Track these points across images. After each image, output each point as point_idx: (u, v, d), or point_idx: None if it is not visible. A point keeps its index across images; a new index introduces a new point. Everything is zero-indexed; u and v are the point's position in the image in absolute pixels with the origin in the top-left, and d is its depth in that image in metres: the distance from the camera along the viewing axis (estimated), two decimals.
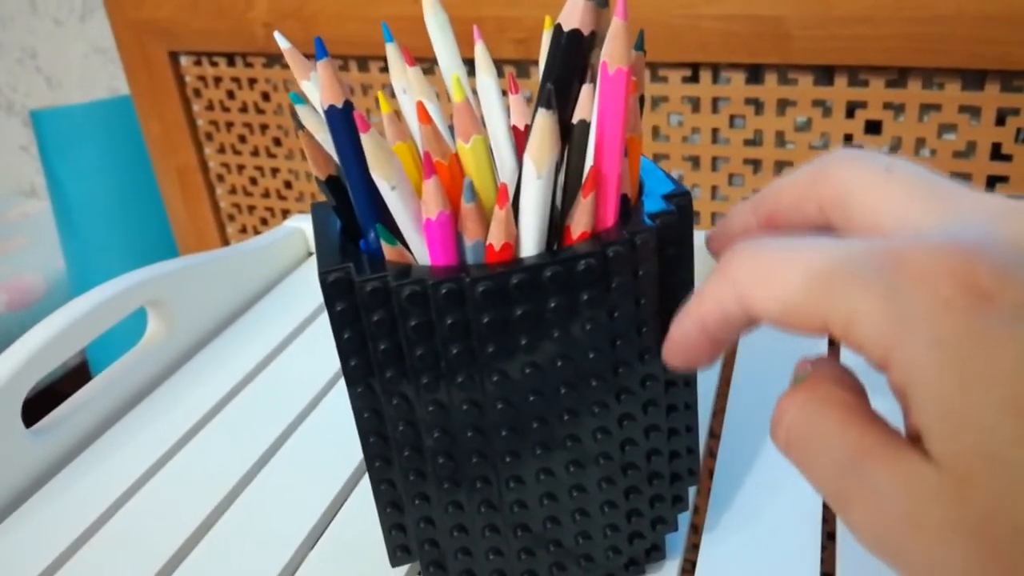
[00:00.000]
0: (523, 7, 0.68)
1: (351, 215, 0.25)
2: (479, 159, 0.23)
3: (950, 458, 0.15)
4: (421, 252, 0.24)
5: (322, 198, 0.27)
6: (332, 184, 0.26)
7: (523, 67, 0.73)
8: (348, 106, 0.22)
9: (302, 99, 0.26)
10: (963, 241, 0.16)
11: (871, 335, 0.16)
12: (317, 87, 0.26)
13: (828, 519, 0.32)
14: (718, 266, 0.19)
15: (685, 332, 0.20)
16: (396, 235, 0.24)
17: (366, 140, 0.21)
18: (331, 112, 0.22)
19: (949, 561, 0.15)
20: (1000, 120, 0.59)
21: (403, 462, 0.26)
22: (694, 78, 0.67)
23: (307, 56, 0.26)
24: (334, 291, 0.24)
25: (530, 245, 0.23)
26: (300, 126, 0.25)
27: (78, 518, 0.36)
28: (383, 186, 0.22)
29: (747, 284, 0.18)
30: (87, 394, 0.42)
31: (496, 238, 0.23)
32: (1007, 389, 0.15)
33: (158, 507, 0.36)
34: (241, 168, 0.92)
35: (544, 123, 0.21)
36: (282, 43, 0.26)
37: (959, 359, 0.15)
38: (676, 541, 0.31)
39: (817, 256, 0.17)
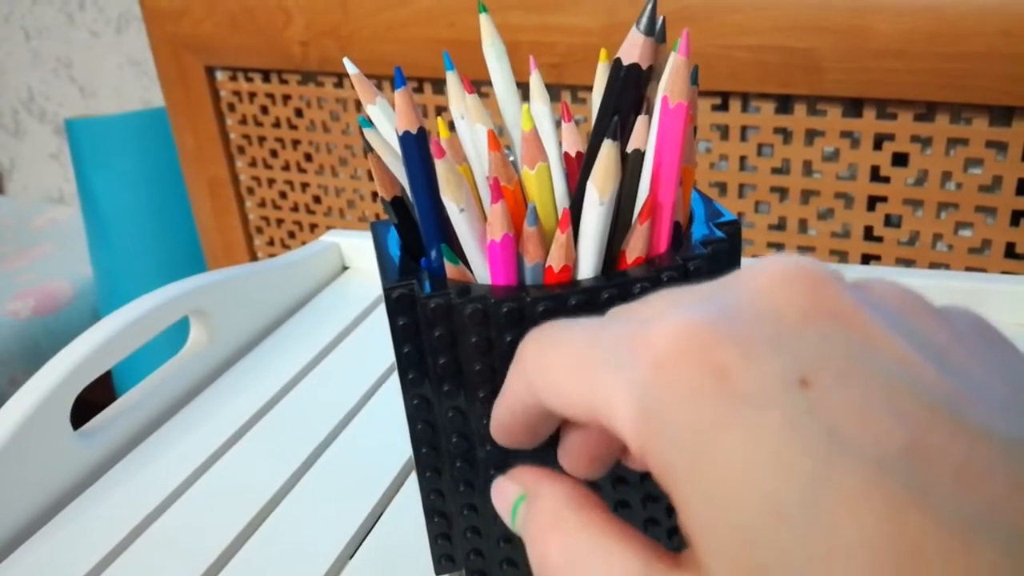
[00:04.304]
0: (556, 33, 0.70)
1: (413, 234, 0.27)
2: (542, 185, 0.24)
3: (718, 572, 0.13)
4: (482, 272, 0.25)
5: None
6: (396, 204, 0.27)
7: (554, 91, 0.74)
8: (422, 132, 0.23)
9: (369, 122, 0.27)
10: (703, 314, 0.14)
11: (624, 427, 0.15)
12: (383, 112, 0.27)
13: None
14: (516, 353, 0.18)
15: (500, 419, 0.19)
16: (458, 255, 0.25)
17: (440, 165, 0.22)
18: (405, 137, 0.23)
19: None
20: None
21: (454, 473, 0.27)
22: (724, 106, 0.68)
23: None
24: (398, 307, 0.25)
25: (587, 268, 0.24)
26: (369, 148, 0.26)
27: (121, 521, 0.37)
28: (452, 208, 0.23)
29: (531, 375, 0.17)
30: (132, 399, 0.43)
31: (556, 260, 0.24)
32: (763, 487, 0.12)
33: (199, 513, 0.37)
34: (271, 182, 0.94)
35: (609, 153, 0.22)
36: (350, 68, 0.27)
37: (708, 457, 0.13)
38: None
39: (578, 340, 0.16)
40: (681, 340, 0.14)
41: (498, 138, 0.23)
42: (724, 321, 0.14)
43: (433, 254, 0.25)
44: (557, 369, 0.16)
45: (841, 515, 0.12)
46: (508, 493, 0.18)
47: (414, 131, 0.23)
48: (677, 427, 0.13)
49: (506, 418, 0.19)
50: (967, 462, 0.12)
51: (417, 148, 0.23)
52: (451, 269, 0.25)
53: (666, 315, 0.14)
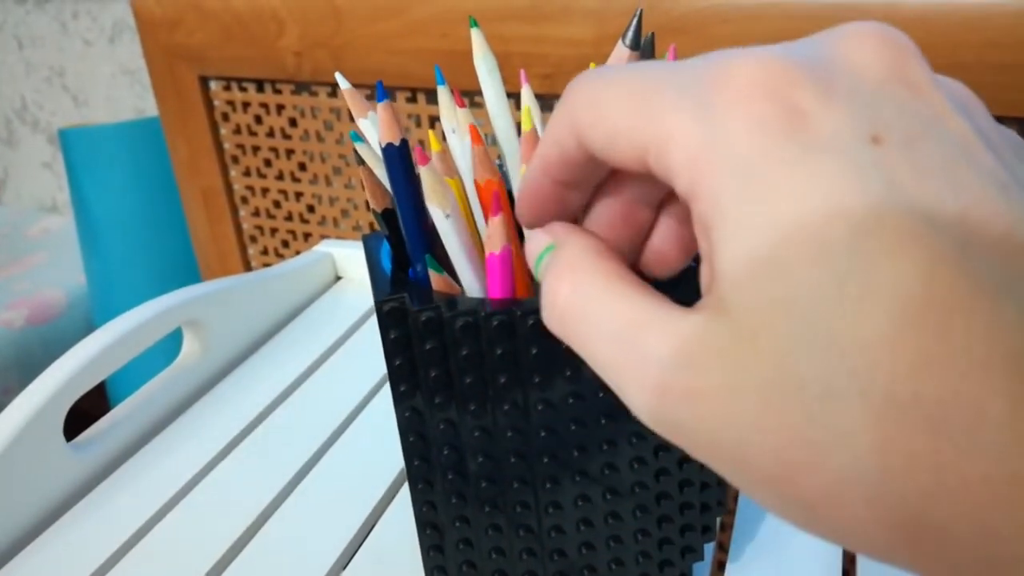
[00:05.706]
0: (548, 44, 0.70)
1: (403, 246, 0.27)
2: None
3: (742, 305, 0.13)
4: (468, 281, 0.25)
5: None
6: (387, 216, 0.27)
7: (548, 101, 0.74)
8: (404, 144, 0.23)
9: (360, 137, 0.27)
10: (791, 56, 0.14)
11: (679, 160, 0.14)
12: (374, 125, 0.28)
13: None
14: (563, 94, 0.17)
15: (530, 178, 0.18)
16: (444, 265, 0.25)
17: (424, 172, 0.22)
18: (388, 149, 0.23)
19: (728, 431, 0.13)
20: None
21: (446, 485, 0.27)
22: None
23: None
24: (389, 320, 0.25)
25: None
26: (361, 162, 0.26)
27: (114, 533, 0.37)
28: (437, 215, 0.23)
29: (579, 112, 0.16)
30: (125, 410, 0.43)
31: None
32: (811, 224, 0.13)
33: (193, 525, 0.37)
34: (265, 191, 0.94)
35: None
36: (342, 83, 0.27)
37: (764, 190, 0.13)
38: (703, 570, 0.32)
39: (641, 76, 0.15)
40: (763, 74, 0.14)
41: (481, 135, 0.24)
42: (809, 66, 0.14)
43: (419, 266, 0.25)
44: (612, 100, 0.15)
45: (882, 261, 0.12)
46: (538, 242, 0.18)
47: (396, 143, 0.23)
48: (737, 157, 0.13)
49: (537, 176, 0.17)
50: (1008, 237, 0.13)
51: (400, 160, 0.23)
52: (436, 279, 0.25)
53: (750, 51, 0.14)
